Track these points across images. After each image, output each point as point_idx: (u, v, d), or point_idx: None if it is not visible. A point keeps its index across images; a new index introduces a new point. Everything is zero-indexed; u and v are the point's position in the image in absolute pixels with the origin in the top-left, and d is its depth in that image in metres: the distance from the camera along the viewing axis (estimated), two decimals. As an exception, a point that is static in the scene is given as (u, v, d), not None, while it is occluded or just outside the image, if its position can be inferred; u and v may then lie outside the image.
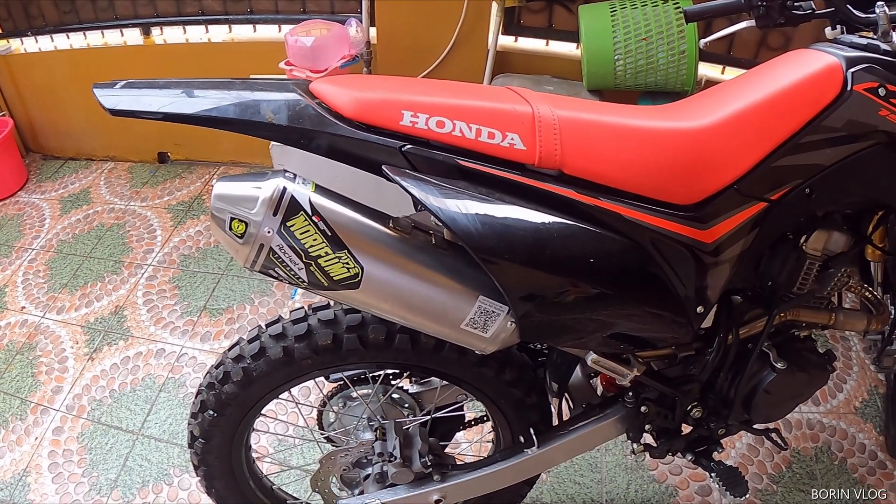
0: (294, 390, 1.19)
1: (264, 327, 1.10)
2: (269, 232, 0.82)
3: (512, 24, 2.51)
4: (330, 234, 0.82)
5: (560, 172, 0.84)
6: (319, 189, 0.86)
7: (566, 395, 1.21)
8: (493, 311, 0.88)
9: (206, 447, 1.23)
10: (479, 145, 0.82)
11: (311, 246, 0.82)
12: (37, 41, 2.98)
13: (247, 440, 1.30)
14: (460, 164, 0.81)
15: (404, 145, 0.80)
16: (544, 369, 1.22)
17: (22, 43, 3.01)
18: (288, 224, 0.82)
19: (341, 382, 1.24)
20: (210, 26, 2.77)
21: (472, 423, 1.43)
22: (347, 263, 0.83)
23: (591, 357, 1.01)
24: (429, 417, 1.23)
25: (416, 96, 0.82)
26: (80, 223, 2.84)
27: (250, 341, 1.10)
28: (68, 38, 2.91)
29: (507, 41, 2.53)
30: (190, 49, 2.80)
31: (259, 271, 0.86)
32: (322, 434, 1.39)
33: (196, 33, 2.80)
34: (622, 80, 2.08)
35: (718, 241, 0.90)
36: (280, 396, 1.19)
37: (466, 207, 0.80)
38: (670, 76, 2.01)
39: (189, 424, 1.22)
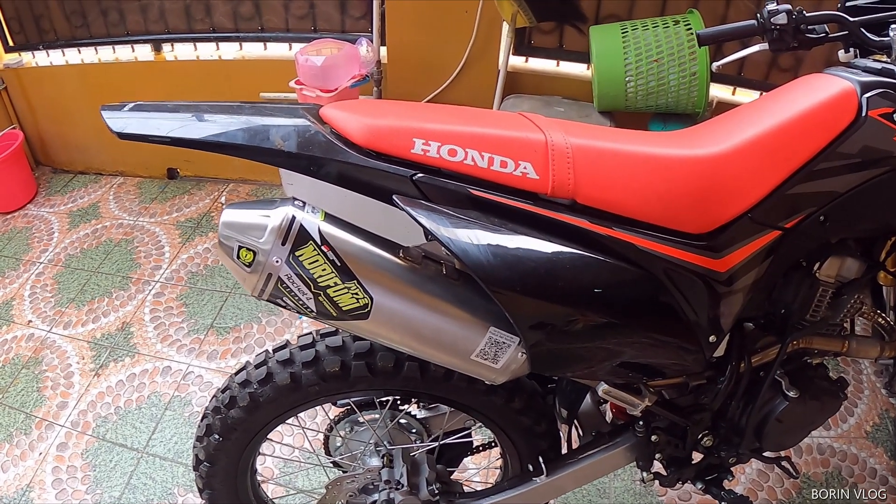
0: (302, 414, 1.18)
1: (271, 352, 1.09)
2: (277, 261, 0.81)
3: (523, 45, 2.51)
4: (339, 263, 0.82)
5: (573, 202, 0.83)
6: (329, 218, 0.85)
7: (575, 422, 1.19)
8: (504, 343, 0.87)
9: (210, 471, 1.21)
10: (491, 174, 0.81)
11: (320, 276, 0.81)
12: (48, 55, 3.00)
13: (252, 464, 1.29)
14: (472, 193, 0.80)
15: (415, 174, 0.80)
16: (554, 396, 1.21)
17: (34, 56, 3.04)
18: (297, 254, 0.81)
19: (348, 407, 1.22)
20: (221, 43, 2.79)
21: (481, 448, 1.41)
22: (357, 294, 0.83)
23: (603, 388, 1.00)
24: (436, 444, 1.22)
25: (427, 123, 0.82)
26: (89, 238, 2.85)
27: (257, 366, 1.09)
28: (79, 52, 2.94)
29: (517, 62, 2.53)
30: (200, 66, 2.81)
31: (267, 300, 0.85)
32: (329, 459, 1.37)
33: (207, 50, 2.82)
34: (633, 102, 2.08)
35: (732, 269, 0.89)
36: (287, 421, 1.18)
37: (477, 238, 0.79)
38: (681, 98, 2.01)
39: (194, 447, 1.21)
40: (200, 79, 2.84)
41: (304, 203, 0.85)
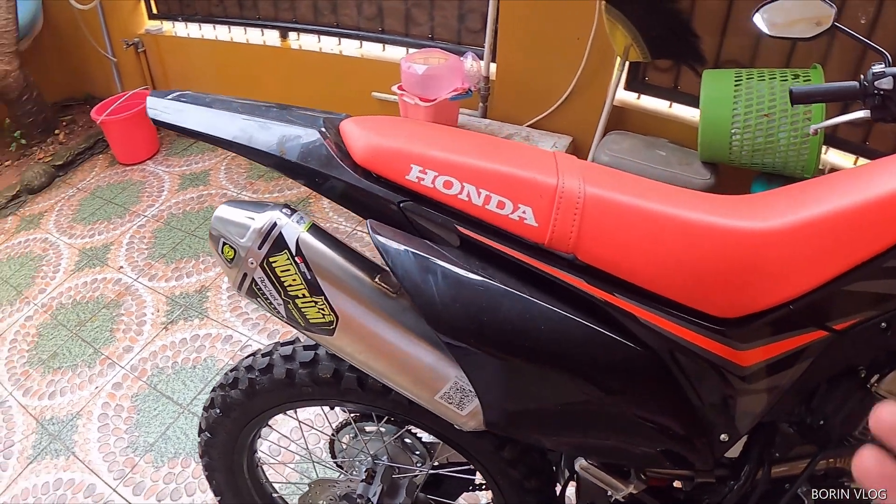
0: (310, 410, 1.18)
1: (279, 345, 1.09)
2: (252, 263, 0.81)
3: (636, 80, 2.40)
4: (309, 277, 0.80)
5: (573, 257, 0.75)
6: (314, 229, 0.83)
7: (575, 483, 1.11)
8: (470, 391, 0.81)
9: (209, 441, 1.25)
10: (484, 213, 0.75)
11: (290, 285, 0.80)
12: (186, 27, 3.25)
13: (251, 444, 1.31)
14: (458, 229, 0.75)
15: (404, 201, 0.76)
16: (559, 453, 1.13)
17: (173, 26, 3.30)
18: (271, 259, 0.80)
19: (357, 414, 1.21)
20: (343, 39, 2.88)
21: (483, 486, 1.34)
22: (323, 309, 0.80)
23: (580, 463, 0.91)
24: (424, 471, 1.17)
25: (432, 150, 0.77)
26: (193, 201, 3.04)
27: (264, 355, 1.10)
28: (214, 28, 3.15)
29: (628, 97, 2.43)
30: (321, 58, 2.92)
31: (245, 297, 0.85)
32: (333, 460, 1.37)
33: (329, 44, 2.92)
34: (737, 156, 1.94)
35: (757, 366, 0.77)
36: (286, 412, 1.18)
37: (439, 278, 0.73)
38: (790, 159, 1.84)
39: (201, 414, 1.25)
40: (318, 70, 2.95)
41: (294, 211, 0.85)
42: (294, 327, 0.85)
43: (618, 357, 0.74)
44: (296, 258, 0.79)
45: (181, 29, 3.26)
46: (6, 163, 3.41)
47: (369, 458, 1.25)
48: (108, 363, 2.22)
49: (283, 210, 0.83)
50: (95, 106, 3.25)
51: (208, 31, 3.17)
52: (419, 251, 0.73)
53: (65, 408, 2.07)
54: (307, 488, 1.25)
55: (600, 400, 0.77)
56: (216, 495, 1.37)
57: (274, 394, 1.09)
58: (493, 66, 2.53)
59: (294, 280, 0.80)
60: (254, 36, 3.05)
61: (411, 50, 2.71)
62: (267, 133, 0.81)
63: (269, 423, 1.24)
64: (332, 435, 1.32)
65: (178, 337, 2.31)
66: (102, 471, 1.87)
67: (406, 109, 2.38)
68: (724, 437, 0.81)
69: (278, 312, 0.83)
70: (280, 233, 0.80)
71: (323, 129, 0.82)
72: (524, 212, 0.73)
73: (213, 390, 1.20)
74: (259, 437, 1.30)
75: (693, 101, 2.28)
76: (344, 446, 1.31)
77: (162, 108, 0.85)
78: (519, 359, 0.75)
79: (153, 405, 2.05)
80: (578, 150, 2.48)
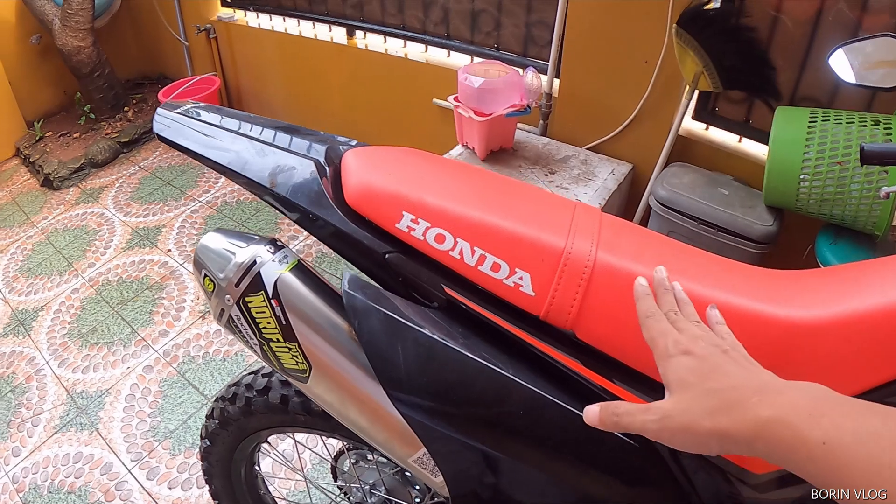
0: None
1: (281, 367, 1.07)
2: (228, 300, 0.77)
3: (705, 110, 2.26)
4: (284, 322, 0.74)
5: (572, 334, 0.66)
6: (298, 269, 0.78)
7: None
8: None
9: (208, 448, 1.23)
10: (476, 275, 0.67)
11: (265, 328, 0.76)
12: (257, 17, 3.28)
13: (250, 457, 1.29)
14: (445, 290, 0.68)
15: (390, 252, 0.69)
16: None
17: (245, 15, 3.34)
18: (247, 299, 0.76)
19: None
20: (409, 42, 2.85)
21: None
22: (296, 357, 0.75)
23: None
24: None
25: (428, 195, 0.70)
26: (246, 192, 3.06)
27: (264, 375, 1.07)
28: (284, 21, 3.17)
29: (696, 127, 2.30)
30: (385, 59, 2.90)
31: (224, 329, 0.83)
32: (335, 483, 1.34)
33: (395, 45, 2.89)
34: (804, 204, 1.79)
35: (770, 475, 0.67)
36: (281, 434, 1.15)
37: (409, 344, 0.65)
38: (861, 214, 1.68)
39: (204, 420, 1.24)
40: (382, 71, 2.93)
41: (280, 247, 0.80)
42: (271, 368, 0.81)
43: (611, 453, 0.65)
44: (272, 300, 0.75)
45: (252, 19, 3.30)
46: (74, 135, 3.54)
47: (367, 487, 1.21)
48: (143, 345, 2.26)
49: (268, 246, 0.79)
50: (165, 87, 3.34)
51: (278, 23, 3.19)
52: (391, 311, 0.66)
53: (95, 383, 2.12)
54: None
55: (588, 499, 0.68)
56: (213, 498, 1.36)
57: (268, 416, 1.07)
58: (556, 83, 2.43)
59: (269, 323, 0.75)
60: (322, 31, 3.06)
61: (476, 59, 2.65)
62: (262, 161, 0.77)
63: (270, 439, 1.22)
64: (332, 461, 1.30)
65: (213, 328, 2.33)
66: (121, 451, 1.90)
67: (461, 122, 2.32)
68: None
69: (255, 351, 0.79)
70: (259, 272, 0.76)
71: (321, 161, 0.78)
72: (521, 278, 0.65)
73: (216, 400, 1.18)
74: (258, 451, 1.28)
75: (765, 137, 2.12)
76: (344, 471, 1.28)
77: (166, 124, 0.83)
78: (493, 447, 0.66)
79: (179, 392, 2.08)
80: (638, 179, 2.36)
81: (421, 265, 0.69)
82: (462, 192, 0.74)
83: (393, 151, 0.84)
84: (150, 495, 1.76)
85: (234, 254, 0.78)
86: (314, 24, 3.05)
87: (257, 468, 1.35)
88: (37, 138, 3.51)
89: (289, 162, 0.77)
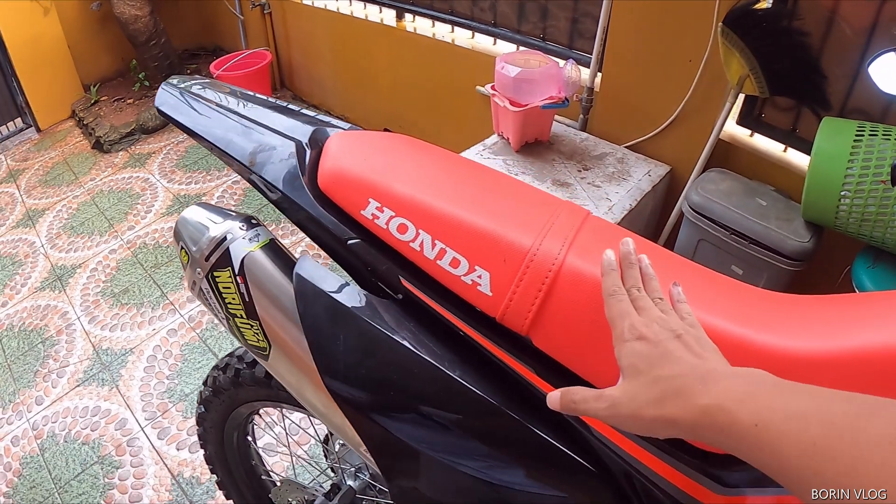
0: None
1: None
2: (199, 273, 0.78)
3: (750, 116, 2.17)
4: (247, 300, 0.75)
5: (528, 339, 0.62)
6: (269, 249, 0.78)
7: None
8: None
9: (202, 414, 1.26)
10: (434, 269, 0.64)
11: (230, 303, 0.76)
12: (311, -5, 3.31)
13: (242, 427, 1.31)
14: (402, 282, 0.66)
15: (353, 239, 0.68)
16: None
17: (300, -8, 3.38)
18: (215, 274, 0.77)
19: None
20: (456, 28, 2.83)
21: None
22: (258, 334, 0.76)
23: None
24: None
25: (398, 184, 0.67)
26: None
27: (254, 349, 1.09)
28: (336, 0, 3.19)
29: (739, 132, 2.20)
30: (432, 43, 2.89)
31: (196, 298, 0.84)
32: (326, 461, 1.35)
33: (442, 30, 2.88)
34: (843, 223, 1.70)
35: None
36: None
37: (351, 333, 0.63)
38: (903, 239, 1.59)
39: (202, 386, 1.27)
40: (429, 55, 2.92)
41: (255, 225, 0.80)
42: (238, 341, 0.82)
43: (560, 472, 0.62)
44: (237, 277, 0.75)
45: (307, -4, 3.34)
46: (128, 100, 3.66)
47: (353, 470, 1.22)
48: (170, 309, 2.33)
49: (242, 224, 0.79)
50: (218, 59, 3.41)
51: (331, 2, 3.22)
52: (339, 299, 0.65)
53: (121, 342, 2.20)
54: (279, 484, 1.24)
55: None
56: (207, 463, 1.39)
57: (255, 389, 1.08)
58: (598, 77, 2.37)
59: (234, 300, 0.76)
60: (372, 12, 3.07)
61: (521, 48, 2.60)
62: (247, 140, 0.78)
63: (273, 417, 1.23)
64: (322, 442, 1.31)
65: (238, 295, 2.38)
66: (137, 408, 1.97)
67: (496, 111, 2.29)
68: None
69: (223, 324, 0.81)
70: (228, 248, 0.77)
71: (305, 142, 0.77)
72: (480, 276, 0.62)
73: (213, 368, 1.21)
74: (251, 422, 1.30)
75: (810, 148, 2.03)
76: (334, 452, 1.29)
77: (166, 99, 0.86)
78: (429, 447, 0.63)
79: (199, 358, 2.13)
80: (675, 182, 2.29)
81: (381, 255, 0.67)
82: (437, 184, 0.71)
83: (380, 138, 0.83)
84: (159, 454, 1.82)
85: (208, 228, 0.79)
86: (365, 5, 3.07)
87: (249, 438, 1.37)
88: (92, 102, 3.65)
89: (271, 142, 0.77)
